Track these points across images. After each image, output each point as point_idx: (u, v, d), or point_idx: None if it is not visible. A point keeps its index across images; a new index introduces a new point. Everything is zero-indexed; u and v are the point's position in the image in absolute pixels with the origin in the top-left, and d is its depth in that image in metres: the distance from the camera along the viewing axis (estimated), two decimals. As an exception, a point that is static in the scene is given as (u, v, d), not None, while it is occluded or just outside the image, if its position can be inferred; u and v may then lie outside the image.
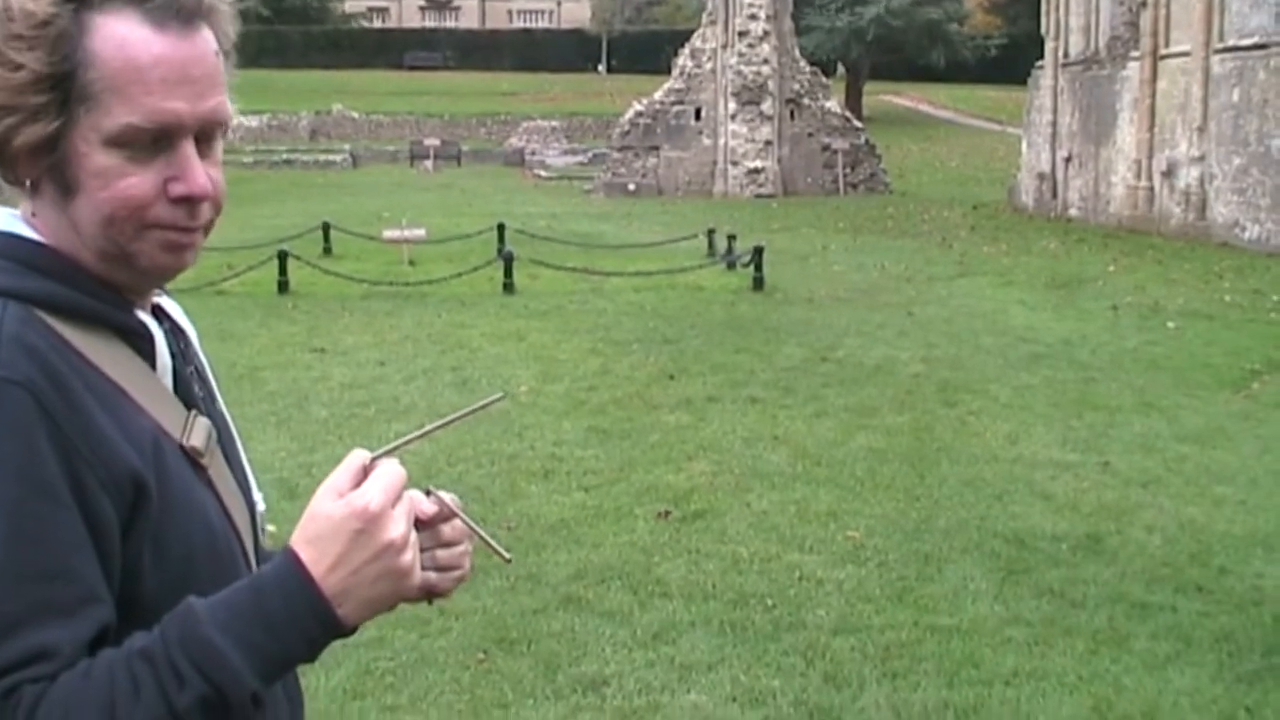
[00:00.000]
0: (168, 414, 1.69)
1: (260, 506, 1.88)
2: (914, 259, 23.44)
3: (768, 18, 39.04)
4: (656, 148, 40.79)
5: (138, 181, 1.60)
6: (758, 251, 19.58)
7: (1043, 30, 34.41)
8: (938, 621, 6.90)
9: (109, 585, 1.54)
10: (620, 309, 17.46)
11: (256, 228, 25.05)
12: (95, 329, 1.64)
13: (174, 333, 1.82)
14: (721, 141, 39.98)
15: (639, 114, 41.14)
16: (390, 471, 1.56)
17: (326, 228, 23.94)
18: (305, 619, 1.51)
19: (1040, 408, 11.76)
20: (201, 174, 1.63)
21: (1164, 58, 27.38)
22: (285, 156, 52.44)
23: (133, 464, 1.57)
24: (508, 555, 1.76)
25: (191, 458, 1.69)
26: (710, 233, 23.99)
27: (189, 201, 1.63)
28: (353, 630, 1.58)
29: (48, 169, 1.62)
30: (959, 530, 8.37)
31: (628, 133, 41.08)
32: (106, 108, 1.58)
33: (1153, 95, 27.68)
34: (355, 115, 64.60)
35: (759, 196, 38.53)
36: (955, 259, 23.53)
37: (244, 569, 1.72)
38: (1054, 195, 32.85)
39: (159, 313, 1.80)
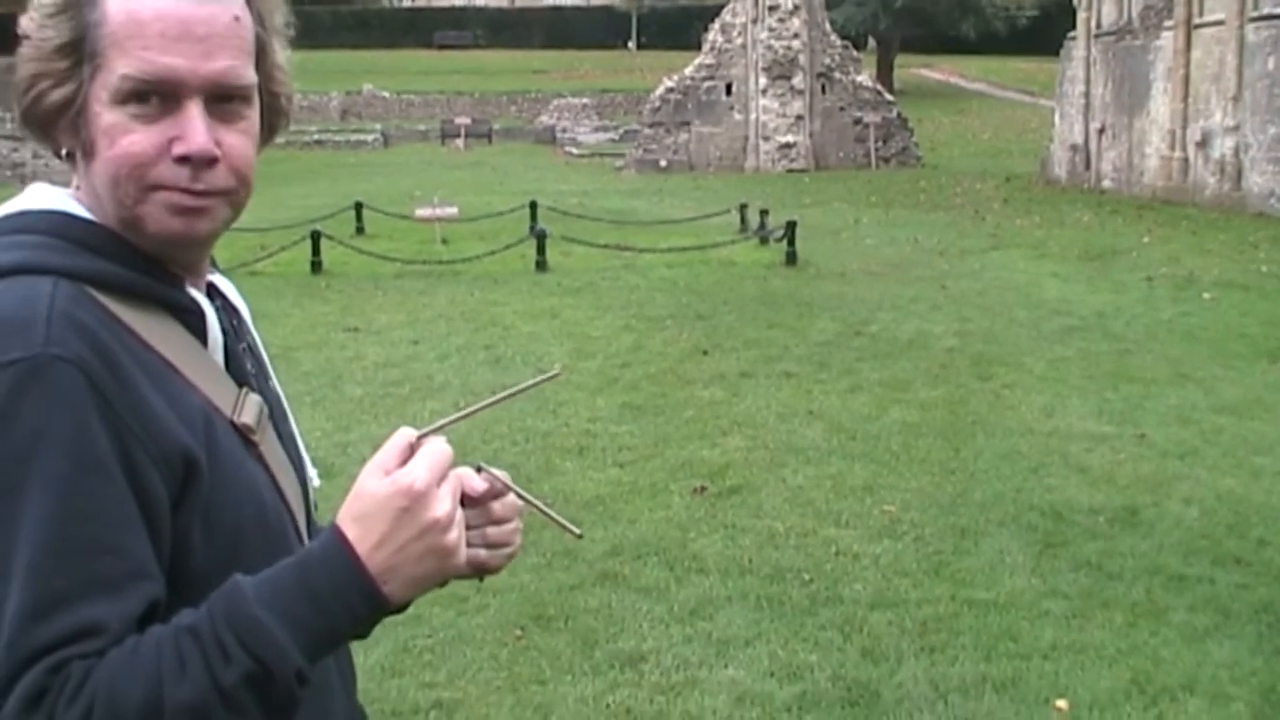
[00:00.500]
0: (219, 390, 1.70)
1: (315, 483, 1.90)
2: (946, 232, 23.36)
3: (797, -9, 38.93)
4: (688, 123, 40.74)
5: (140, 138, 1.61)
6: (790, 226, 19.55)
7: (1074, 0, 34.18)
8: (975, 595, 6.89)
9: (159, 561, 1.56)
10: (653, 285, 17.46)
11: (289, 208, 25.12)
12: (147, 306, 1.66)
13: (226, 310, 1.84)
14: (753, 116, 39.90)
15: (670, 90, 41.09)
16: (436, 450, 1.57)
17: (359, 207, 23.98)
18: (350, 596, 1.52)
19: (1075, 380, 11.71)
20: (201, 134, 1.62)
21: (1198, 27, 27.16)
22: (316, 137, 52.53)
23: (183, 440, 1.58)
24: (577, 530, 1.76)
25: (243, 434, 1.71)
26: (742, 208, 23.95)
27: (192, 162, 1.63)
28: (402, 608, 1.59)
29: (75, 135, 1.66)
30: (995, 504, 8.35)
31: (658, 109, 41.04)
32: (110, 64, 1.61)
33: (1186, 65, 27.47)
34: (386, 95, 64.72)
35: (791, 171, 38.49)
36: (988, 232, 23.44)
37: (295, 544, 1.74)
38: (1087, 167, 32.66)
39: (212, 290, 1.82)
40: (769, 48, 38.96)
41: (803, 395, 11.21)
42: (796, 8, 38.97)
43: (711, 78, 40.77)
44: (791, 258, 19.24)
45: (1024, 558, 7.40)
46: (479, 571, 1.72)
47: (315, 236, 19.07)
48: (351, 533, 1.52)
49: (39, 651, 1.45)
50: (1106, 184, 31.38)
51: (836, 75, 40.61)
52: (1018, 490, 8.62)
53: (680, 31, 75.30)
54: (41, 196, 1.70)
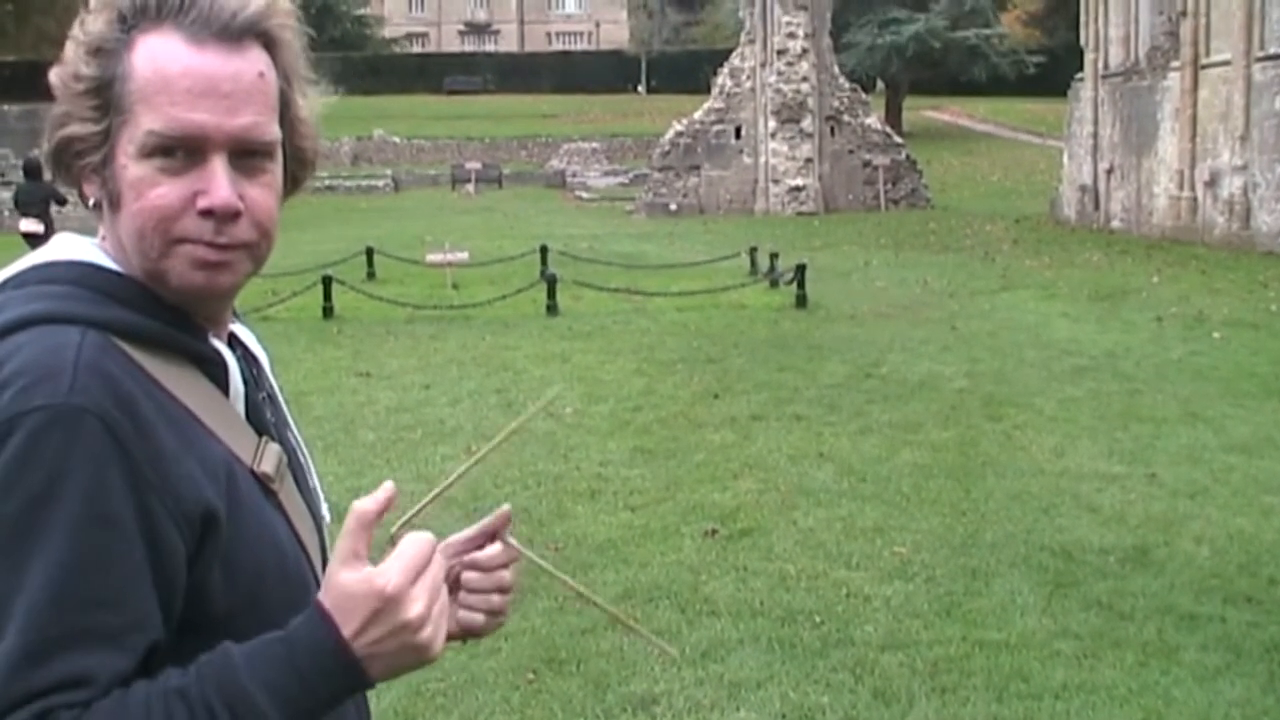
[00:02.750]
0: (240, 440, 1.74)
1: (326, 519, 1.94)
2: (956, 273, 23.40)
3: (806, 35, 39.11)
4: (697, 167, 40.89)
5: (165, 191, 1.64)
6: (800, 269, 19.58)
7: (1082, 42, 34.32)
8: (986, 636, 6.89)
9: (168, 614, 1.59)
10: (663, 329, 17.48)
11: (300, 253, 25.16)
12: (171, 356, 1.69)
13: (247, 359, 1.87)
14: (762, 160, 40.04)
15: (679, 134, 41.27)
16: (412, 549, 1.58)
17: (370, 252, 24.09)
18: (335, 678, 1.55)
19: (1085, 420, 11.72)
20: (225, 188, 1.65)
21: (1205, 67, 27.27)
22: (328, 182, 52.70)
23: (203, 492, 1.62)
24: (672, 650, 1.78)
25: (263, 483, 1.74)
26: (752, 251, 24.01)
27: (215, 216, 1.66)
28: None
29: (102, 185, 1.69)
30: (1006, 544, 8.35)
31: (668, 152, 41.21)
32: (137, 119, 1.64)
33: (1194, 105, 27.56)
34: (396, 140, 65.05)
35: (800, 214, 38.57)
36: (998, 273, 23.47)
37: (313, 590, 1.75)
38: (1096, 207, 32.72)
39: (233, 340, 1.85)
40: (778, 91, 39.12)
41: (813, 437, 11.22)
42: (805, 51, 39.14)
43: (721, 121, 40.97)
44: (802, 300, 19.27)
45: (1035, 598, 7.40)
46: (469, 637, 1.75)
47: (327, 281, 19.16)
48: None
49: (27, 696, 1.48)
50: (1115, 224, 31.43)
51: (845, 118, 40.77)
52: (1029, 531, 8.62)
53: (689, 75, 75.70)
54: (68, 247, 1.74)
